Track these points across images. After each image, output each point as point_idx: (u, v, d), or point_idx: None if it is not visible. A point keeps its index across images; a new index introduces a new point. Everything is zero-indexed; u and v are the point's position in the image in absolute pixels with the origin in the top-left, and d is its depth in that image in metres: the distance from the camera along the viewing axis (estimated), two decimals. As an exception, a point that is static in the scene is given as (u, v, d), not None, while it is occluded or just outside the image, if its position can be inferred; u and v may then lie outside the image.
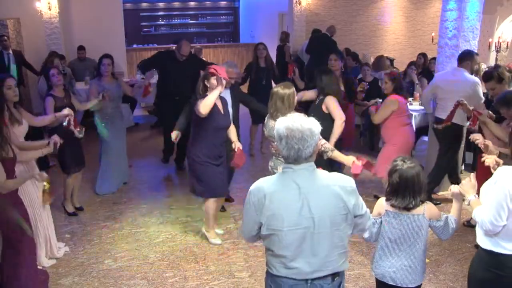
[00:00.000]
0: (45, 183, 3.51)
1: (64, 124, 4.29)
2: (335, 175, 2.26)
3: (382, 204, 2.79)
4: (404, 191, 2.65)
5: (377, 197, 5.48)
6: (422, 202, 2.71)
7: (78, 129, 4.43)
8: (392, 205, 2.72)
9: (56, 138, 3.75)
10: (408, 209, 2.68)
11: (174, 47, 6.22)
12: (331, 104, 4.50)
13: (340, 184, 2.18)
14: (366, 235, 2.80)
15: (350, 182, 2.22)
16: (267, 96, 3.93)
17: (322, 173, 2.23)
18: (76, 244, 4.50)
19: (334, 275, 2.26)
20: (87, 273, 4.04)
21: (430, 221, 2.72)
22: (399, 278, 2.76)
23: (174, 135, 4.55)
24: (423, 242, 2.75)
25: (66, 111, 4.30)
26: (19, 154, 3.42)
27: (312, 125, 2.15)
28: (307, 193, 2.13)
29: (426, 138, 6.07)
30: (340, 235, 2.20)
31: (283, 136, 2.12)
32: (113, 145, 5.54)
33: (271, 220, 2.14)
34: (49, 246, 4.17)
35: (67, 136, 4.18)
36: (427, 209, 2.71)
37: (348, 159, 3.62)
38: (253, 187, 2.23)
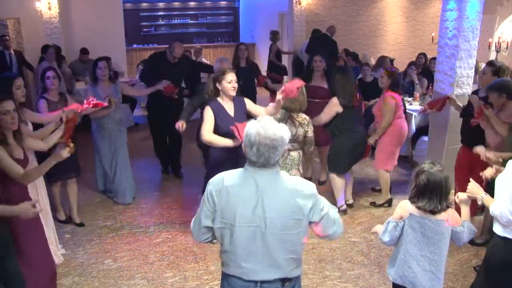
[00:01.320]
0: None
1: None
2: (296, 179, 2.23)
3: (405, 207, 2.73)
4: (431, 193, 2.61)
5: (374, 190, 5.65)
6: (448, 207, 2.68)
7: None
8: (417, 207, 2.66)
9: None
10: (433, 212, 2.63)
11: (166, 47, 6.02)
12: (328, 105, 4.78)
13: (298, 188, 2.16)
14: (386, 238, 2.78)
15: (309, 187, 2.19)
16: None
17: (283, 175, 2.21)
18: (76, 244, 4.50)
19: (284, 280, 2.23)
20: (87, 273, 4.04)
21: (453, 227, 2.69)
22: (419, 282, 2.73)
23: (180, 124, 4.35)
24: (446, 248, 2.73)
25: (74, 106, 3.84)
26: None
27: (284, 133, 2.12)
28: (263, 193, 2.13)
29: (426, 138, 6.07)
30: (292, 240, 2.17)
31: (255, 142, 2.08)
32: (110, 155, 5.18)
33: (225, 212, 2.15)
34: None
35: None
36: (451, 215, 2.68)
37: None
38: (213, 178, 2.23)
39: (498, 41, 8.85)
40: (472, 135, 4.41)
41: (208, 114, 3.90)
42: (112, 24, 9.83)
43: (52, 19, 8.96)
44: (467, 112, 4.58)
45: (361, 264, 4.19)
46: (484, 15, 5.54)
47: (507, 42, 8.87)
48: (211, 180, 2.23)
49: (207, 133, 3.85)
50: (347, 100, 4.74)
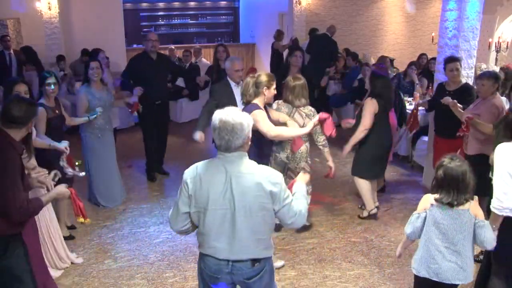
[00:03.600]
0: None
1: (60, 163, 3.89)
2: (264, 167, 2.43)
3: (428, 199, 2.82)
4: (448, 187, 2.70)
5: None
6: (467, 200, 2.73)
7: (73, 169, 3.97)
8: (436, 200, 2.75)
9: (58, 172, 3.41)
10: (451, 205, 2.71)
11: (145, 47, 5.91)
12: (366, 108, 4.65)
13: (265, 175, 2.36)
14: (408, 230, 2.86)
15: (276, 176, 2.38)
16: None
17: (251, 163, 2.41)
18: (76, 244, 4.50)
19: (255, 261, 2.42)
20: (87, 273, 4.04)
21: (476, 219, 2.73)
22: (443, 274, 2.78)
23: (199, 136, 4.50)
24: (469, 239, 2.76)
25: (63, 146, 3.91)
26: None
27: (244, 119, 2.35)
28: (232, 178, 2.33)
29: (426, 138, 6.07)
30: (258, 222, 2.37)
31: (216, 127, 2.33)
32: (104, 160, 5.11)
33: (198, 198, 2.36)
34: (52, 258, 3.97)
35: (54, 152, 3.92)
36: (472, 205, 2.74)
37: (330, 161, 4.36)
38: (188, 168, 2.46)
39: (498, 41, 8.85)
40: (445, 124, 4.84)
41: (262, 113, 3.82)
42: (112, 24, 9.83)
43: (52, 19, 8.96)
44: (435, 103, 4.98)
45: (361, 264, 4.18)
46: (484, 15, 5.54)
47: (507, 42, 8.87)
48: (187, 170, 2.45)
49: (272, 128, 3.77)
50: (386, 104, 4.70)
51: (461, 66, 4.88)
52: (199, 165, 2.43)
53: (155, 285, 3.88)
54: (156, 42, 5.76)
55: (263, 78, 3.83)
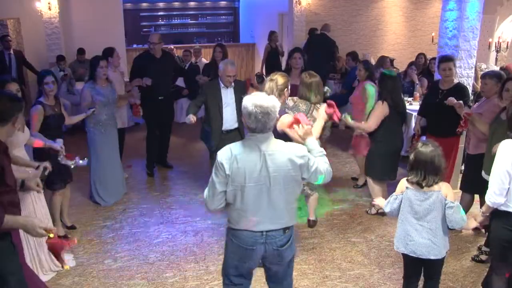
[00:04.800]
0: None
1: (58, 159, 3.96)
2: (289, 144, 2.69)
3: (403, 183, 3.10)
4: (417, 168, 2.97)
5: (355, 179, 5.96)
6: (437, 182, 2.96)
7: (72, 161, 4.08)
8: (407, 180, 3.04)
9: (47, 164, 3.44)
10: (420, 185, 2.96)
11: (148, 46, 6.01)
12: (375, 110, 4.72)
13: (292, 151, 2.62)
14: (387, 209, 3.18)
15: (301, 149, 2.65)
16: None
17: (278, 141, 2.66)
18: (76, 244, 4.48)
19: (286, 228, 2.68)
20: (87, 273, 4.04)
21: (446, 200, 2.94)
22: (419, 250, 3.04)
23: (192, 118, 4.62)
24: (440, 217, 2.99)
25: (59, 145, 3.94)
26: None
27: (274, 101, 2.57)
28: (266, 155, 2.56)
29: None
30: (291, 193, 2.65)
31: (252, 112, 2.51)
32: (106, 154, 5.21)
33: (236, 176, 2.55)
34: (46, 260, 3.89)
35: (53, 150, 3.93)
36: (444, 186, 2.98)
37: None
38: (221, 150, 2.62)
39: (498, 41, 8.85)
40: (437, 123, 4.93)
41: (290, 118, 3.89)
42: (112, 24, 9.83)
43: (52, 19, 8.96)
44: (428, 103, 5.09)
45: (361, 264, 4.18)
46: (484, 15, 5.55)
47: (507, 42, 8.88)
48: (220, 152, 2.61)
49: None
50: (397, 103, 4.69)
51: (455, 66, 4.85)
52: (232, 147, 2.61)
53: (155, 285, 3.88)
54: (156, 45, 5.86)
55: (281, 80, 4.06)
